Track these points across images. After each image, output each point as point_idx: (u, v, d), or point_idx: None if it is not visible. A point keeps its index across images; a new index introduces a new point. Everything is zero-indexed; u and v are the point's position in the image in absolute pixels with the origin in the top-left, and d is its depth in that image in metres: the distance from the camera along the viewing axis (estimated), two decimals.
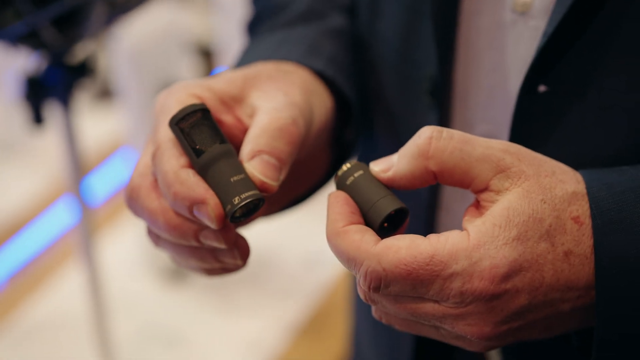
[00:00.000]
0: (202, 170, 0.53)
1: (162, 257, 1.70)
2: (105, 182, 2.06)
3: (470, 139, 0.50)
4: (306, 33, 0.71)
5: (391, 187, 0.52)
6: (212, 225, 0.51)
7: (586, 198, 0.49)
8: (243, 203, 0.51)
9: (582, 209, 0.48)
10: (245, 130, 0.57)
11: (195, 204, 0.51)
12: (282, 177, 0.54)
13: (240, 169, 0.53)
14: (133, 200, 0.55)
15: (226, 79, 0.60)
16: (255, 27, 0.78)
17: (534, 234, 0.47)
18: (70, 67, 1.11)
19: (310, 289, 1.68)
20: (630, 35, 0.55)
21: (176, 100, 0.56)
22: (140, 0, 1.00)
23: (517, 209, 0.48)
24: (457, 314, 0.48)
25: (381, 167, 0.52)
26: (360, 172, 0.53)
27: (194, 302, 1.66)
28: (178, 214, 0.53)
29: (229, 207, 0.51)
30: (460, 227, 0.70)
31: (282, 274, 1.72)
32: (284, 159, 0.55)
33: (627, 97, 0.56)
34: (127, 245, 1.80)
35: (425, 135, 0.50)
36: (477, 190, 0.50)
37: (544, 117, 0.59)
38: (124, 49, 1.52)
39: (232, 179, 0.52)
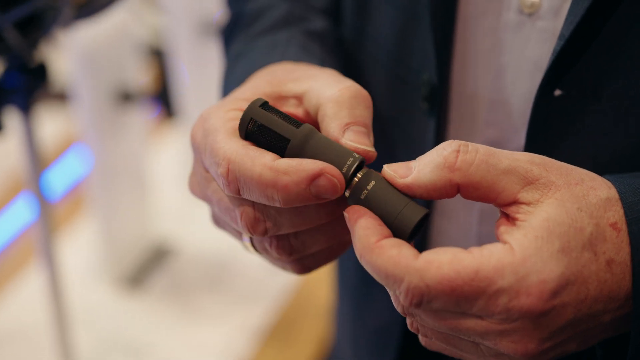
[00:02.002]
0: (298, 153, 0.51)
1: (120, 262, 1.66)
2: (60, 178, 2.01)
3: (495, 152, 0.48)
4: (292, 35, 0.69)
5: (405, 193, 0.50)
6: (337, 192, 0.49)
7: (620, 203, 0.48)
8: (357, 161, 0.50)
9: (618, 214, 0.47)
10: (301, 119, 0.55)
11: (312, 180, 0.49)
12: (372, 141, 0.53)
13: (330, 141, 0.52)
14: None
15: (249, 88, 0.58)
16: (232, 32, 0.76)
17: (577, 244, 0.46)
18: (30, 70, 1.07)
19: (275, 293, 1.65)
20: None
21: (220, 119, 0.53)
22: (106, 3, 0.96)
23: (556, 219, 0.46)
24: (502, 330, 0.46)
25: (399, 172, 0.49)
26: (373, 182, 0.51)
27: (155, 309, 1.62)
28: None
29: (345, 168, 0.50)
30: (459, 233, 0.69)
31: (245, 277, 1.69)
32: (368, 124, 0.53)
33: None
34: (85, 251, 1.75)
35: (453, 147, 0.48)
36: (504, 203, 0.48)
37: (560, 121, 0.58)
38: (77, 50, 1.48)
39: (331, 148, 0.51)
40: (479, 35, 0.62)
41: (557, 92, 0.57)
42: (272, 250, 0.54)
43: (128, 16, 1.58)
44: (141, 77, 1.72)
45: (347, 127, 0.52)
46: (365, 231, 0.48)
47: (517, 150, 0.62)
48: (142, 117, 1.68)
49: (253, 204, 0.52)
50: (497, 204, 0.49)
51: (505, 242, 0.46)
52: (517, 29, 0.60)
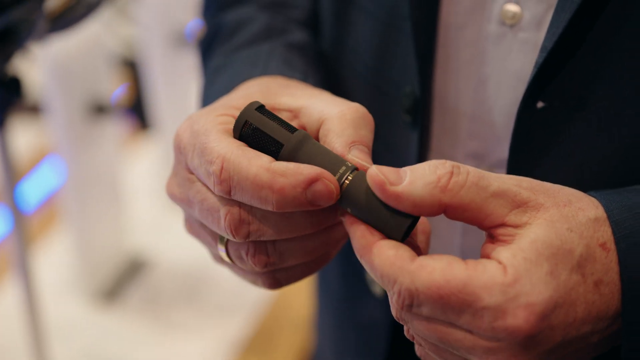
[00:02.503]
0: (291, 158, 0.51)
1: (95, 275, 1.64)
2: (34, 190, 1.99)
3: (484, 175, 0.48)
4: (274, 48, 0.69)
5: (391, 202, 0.48)
6: (332, 198, 0.49)
7: (607, 222, 0.48)
8: (351, 169, 0.50)
9: (607, 234, 0.47)
10: None
11: (309, 184, 0.49)
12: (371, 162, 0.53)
13: (324, 148, 0.52)
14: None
15: (241, 96, 0.58)
16: (210, 45, 0.75)
17: (566, 266, 0.46)
18: (4, 84, 1.06)
19: (252, 304, 1.64)
20: (627, 48, 0.54)
21: (211, 122, 0.53)
22: (82, 15, 0.95)
23: (545, 240, 0.46)
24: (489, 348, 0.46)
25: (389, 177, 0.48)
26: (365, 185, 0.50)
27: (131, 322, 1.60)
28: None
29: (337, 175, 0.50)
30: (441, 248, 0.69)
31: (221, 289, 1.68)
32: (370, 146, 0.54)
33: (627, 109, 0.55)
34: (60, 264, 1.74)
35: (447, 168, 0.47)
36: (491, 226, 0.48)
37: (543, 133, 0.58)
38: (50, 62, 1.46)
39: (325, 155, 0.51)
40: (461, 46, 0.62)
41: (540, 104, 0.57)
42: (248, 259, 0.53)
43: (100, 28, 1.57)
44: (115, 89, 1.71)
45: (352, 144, 0.52)
46: (364, 232, 0.49)
47: (500, 162, 0.62)
48: (116, 129, 1.67)
49: (240, 205, 0.51)
50: (484, 227, 0.48)
51: (498, 262, 0.46)
52: (498, 40, 0.60)
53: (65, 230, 1.69)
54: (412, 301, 0.46)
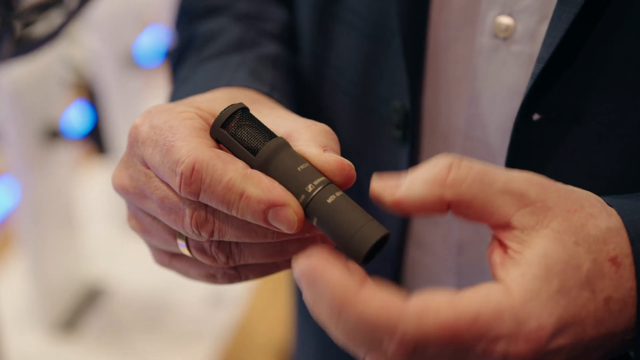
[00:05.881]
0: (263, 168, 0.49)
1: (51, 305, 1.59)
2: None
3: (490, 170, 0.46)
4: (243, 60, 0.67)
5: (395, 210, 0.47)
6: (291, 229, 0.47)
7: (621, 233, 0.46)
8: (317, 190, 0.48)
9: (619, 246, 0.45)
10: None
11: (272, 207, 0.47)
12: None
13: (300, 159, 0.49)
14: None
15: (206, 99, 0.56)
16: (181, 57, 0.74)
17: (575, 283, 0.44)
18: None
19: (217, 330, 1.61)
20: (622, 60, 0.54)
21: (175, 118, 0.51)
22: (47, 38, 0.92)
23: (553, 256, 0.44)
24: None
25: (387, 187, 0.47)
26: (333, 197, 0.48)
27: (90, 353, 1.55)
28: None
29: (302, 197, 0.48)
30: (436, 265, 0.67)
31: (184, 316, 1.64)
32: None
33: (623, 121, 0.54)
34: (14, 294, 1.68)
35: (444, 162, 0.46)
36: (497, 225, 0.46)
37: (539, 145, 0.57)
38: (3, 87, 1.43)
39: (298, 169, 0.48)
40: (452, 61, 0.61)
41: (536, 116, 0.56)
42: (212, 250, 0.52)
43: (53, 53, 1.54)
44: (68, 113, 1.67)
45: (325, 149, 0.51)
46: (342, 281, 0.42)
47: None
48: (70, 153, 1.63)
49: (206, 206, 0.50)
50: (490, 225, 0.46)
51: (500, 280, 0.44)
52: (491, 54, 0.59)
53: (21, 256, 1.64)
54: (416, 348, 0.42)
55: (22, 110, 1.45)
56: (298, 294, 0.89)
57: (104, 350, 1.56)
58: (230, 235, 0.50)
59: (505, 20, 0.58)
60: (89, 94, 2.04)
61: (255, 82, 0.63)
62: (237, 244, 0.51)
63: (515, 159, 0.57)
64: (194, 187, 0.48)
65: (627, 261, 0.45)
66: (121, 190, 0.55)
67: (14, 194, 1.54)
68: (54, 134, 1.52)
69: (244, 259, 0.52)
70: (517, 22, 0.57)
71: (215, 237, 0.50)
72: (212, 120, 0.52)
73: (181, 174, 0.48)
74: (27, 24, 0.91)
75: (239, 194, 0.47)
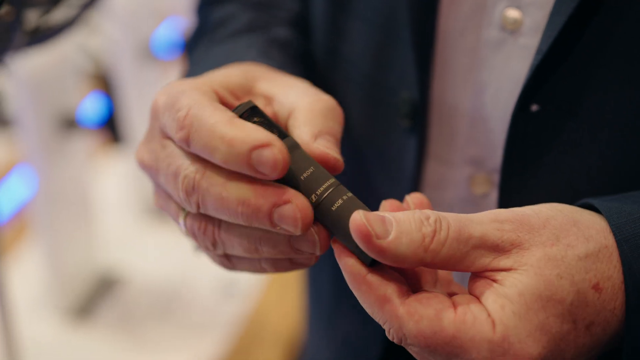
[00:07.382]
0: None
1: (67, 292, 1.61)
2: (4, 202, 1.93)
3: (464, 225, 0.46)
4: (253, 42, 0.68)
5: (373, 255, 0.46)
6: (274, 170, 0.46)
7: (600, 255, 0.46)
8: (324, 196, 0.49)
9: (599, 272, 0.46)
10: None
11: (255, 149, 0.46)
12: (340, 153, 0.52)
13: (308, 161, 0.50)
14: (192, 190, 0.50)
15: (223, 74, 0.57)
16: (196, 40, 0.76)
17: (557, 318, 0.45)
18: None
19: (229, 321, 1.62)
20: (621, 52, 0.54)
21: (188, 84, 0.52)
22: (63, 27, 0.93)
23: (534, 292, 0.44)
24: None
25: (374, 228, 0.46)
26: (349, 194, 0.49)
27: (104, 340, 1.57)
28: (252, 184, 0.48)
29: (321, 189, 0.49)
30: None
31: (197, 306, 1.65)
32: (339, 138, 0.53)
33: (621, 114, 0.55)
34: (30, 280, 1.70)
35: (431, 226, 0.46)
36: (474, 272, 0.47)
37: (537, 137, 0.57)
38: (21, 76, 1.44)
39: (303, 175, 0.49)
40: (460, 52, 0.62)
41: (534, 107, 0.56)
42: (199, 234, 0.52)
43: (70, 43, 1.55)
44: (85, 103, 1.69)
45: (318, 134, 0.51)
46: (353, 261, 0.48)
47: (498, 168, 0.61)
48: (86, 143, 1.64)
49: (196, 171, 0.50)
50: (468, 272, 0.48)
51: (488, 314, 0.45)
52: (498, 46, 0.60)
53: (36, 245, 1.66)
54: (400, 341, 0.46)
55: (39, 99, 1.46)
56: (309, 287, 0.90)
57: (117, 337, 1.58)
58: (211, 206, 0.49)
59: (514, 13, 0.58)
60: (105, 84, 2.06)
61: (265, 61, 0.64)
62: (219, 231, 0.52)
63: (513, 148, 0.58)
64: (185, 132, 0.49)
65: (608, 284, 0.46)
66: (141, 164, 0.56)
67: (30, 183, 1.55)
68: (71, 124, 1.53)
69: (227, 247, 0.52)
70: (525, 15, 0.58)
71: (201, 209, 0.50)
72: (225, 95, 0.54)
73: (177, 119, 0.49)
74: (44, 13, 0.92)
75: (221, 137, 0.47)
